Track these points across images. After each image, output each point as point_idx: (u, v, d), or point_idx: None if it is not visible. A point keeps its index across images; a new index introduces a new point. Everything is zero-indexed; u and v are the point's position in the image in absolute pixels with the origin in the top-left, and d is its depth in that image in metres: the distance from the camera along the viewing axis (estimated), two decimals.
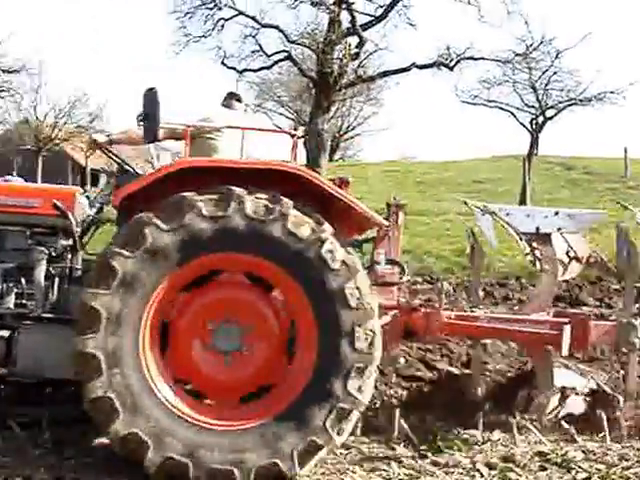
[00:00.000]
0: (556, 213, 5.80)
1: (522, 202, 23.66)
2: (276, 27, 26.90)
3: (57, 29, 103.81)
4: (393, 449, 5.34)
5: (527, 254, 5.88)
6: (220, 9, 26.81)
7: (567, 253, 6.15)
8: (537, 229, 5.67)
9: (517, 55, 26.66)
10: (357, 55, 26.26)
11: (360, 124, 57.47)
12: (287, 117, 57.51)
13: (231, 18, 27.06)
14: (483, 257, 6.50)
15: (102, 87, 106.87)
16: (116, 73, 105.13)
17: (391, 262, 5.77)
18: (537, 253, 6.06)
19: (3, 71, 39.90)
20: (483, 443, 5.40)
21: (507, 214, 5.77)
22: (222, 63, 27.64)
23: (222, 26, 27.06)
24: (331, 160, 39.36)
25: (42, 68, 45.25)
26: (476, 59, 26.66)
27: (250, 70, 29.06)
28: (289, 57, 27.51)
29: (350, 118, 55.86)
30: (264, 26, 26.95)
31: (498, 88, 29.80)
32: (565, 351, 5.34)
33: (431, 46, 76.63)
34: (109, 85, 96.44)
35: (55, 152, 47.80)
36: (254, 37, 27.16)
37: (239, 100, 6.27)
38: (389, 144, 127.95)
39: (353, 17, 25.68)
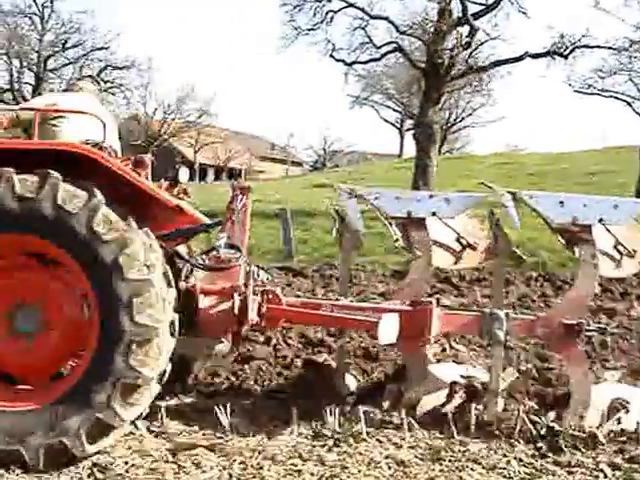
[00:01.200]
0: (430, 197, 5.48)
1: (638, 195, 22.45)
2: (385, 18, 26.74)
3: (166, 25, 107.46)
4: (513, 446, 5.05)
5: (396, 240, 5.51)
6: (329, 1, 26.91)
7: (458, 240, 5.92)
8: (409, 213, 5.34)
9: (633, 43, 25.12)
10: (468, 45, 25.59)
11: (469, 115, 56.56)
12: (394, 110, 56.93)
13: (340, 10, 27.06)
14: (356, 242, 6.13)
15: (210, 82, 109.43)
16: (224, 68, 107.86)
17: (231, 246, 5.50)
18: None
19: (114, 67, 41.94)
20: (606, 443, 5.04)
21: (376, 197, 5.44)
22: (330, 56, 27.65)
23: (331, 18, 27.06)
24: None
25: (151, 64, 47.07)
26: (591, 47, 25.61)
27: (359, 62, 29.01)
28: (398, 48, 27.15)
29: (458, 110, 54.66)
30: (373, 17, 26.82)
31: (613, 77, 28.10)
32: (383, 339, 5.03)
33: (543, 35, 72.96)
34: (217, 80, 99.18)
35: (164, 147, 49.50)
36: (363, 29, 27.10)
37: (95, 82, 6.37)
38: (499, 136, 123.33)
39: (464, 6, 25.05)
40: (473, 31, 25.32)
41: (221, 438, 5.09)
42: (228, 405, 5.35)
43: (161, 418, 5.28)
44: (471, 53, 26.33)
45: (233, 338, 5.51)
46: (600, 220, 4.90)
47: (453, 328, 5.38)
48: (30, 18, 40.36)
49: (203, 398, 5.91)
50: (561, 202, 4.91)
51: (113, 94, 43.35)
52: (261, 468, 4.62)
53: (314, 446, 4.98)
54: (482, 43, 26.78)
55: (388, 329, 4.96)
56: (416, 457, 4.83)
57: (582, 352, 5.18)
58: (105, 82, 42.13)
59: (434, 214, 5.40)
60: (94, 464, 4.64)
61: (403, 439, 5.07)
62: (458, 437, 5.08)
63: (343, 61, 27.99)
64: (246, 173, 61.78)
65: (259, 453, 4.81)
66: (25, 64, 42.38)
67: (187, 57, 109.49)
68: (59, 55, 42.56)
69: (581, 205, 4.94)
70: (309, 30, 27.30)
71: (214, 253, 5.51)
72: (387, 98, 55.53)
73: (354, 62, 28.43)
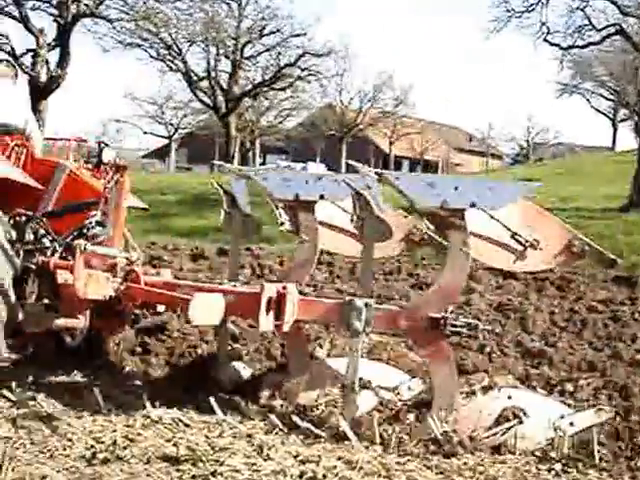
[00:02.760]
0: (319, 179, 5.25)
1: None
2: None
3: (366, 11, 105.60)
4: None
5: (282, 223, 5.43)
6: None
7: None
8: (297, 196, 5.19)
9: None
10: None
11: None
12: (606, 98, 51.89)
13: None
14: (246, 223, 5.86)
15: (407, 71, 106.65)
16: (422, 56, 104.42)
17: (99, 224, 5.48)
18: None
19: (312, 55, 40.54)
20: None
21: (264, 179, 5.35)
22: (545, 40, 26.17)
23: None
24: None
25: (349, 52, 45.61)
26: None
27: (575, 47, 27.63)
28: (620, 31, 24.68)
29: None
30: None
31: None
32: (193, 319, 4.69)
33: None
34: (414, 69, 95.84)
35: (358, 138, 48.05)
36: (582, 10, 25.26)
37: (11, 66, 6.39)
38: None
39: None
40: None
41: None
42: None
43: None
44: None
45: (91, 314, 5.37)
46: (472, 204, 4.43)
47: (312, 315, 4.93)
48: (228, 5, 40.30)
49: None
50: (430, 184, 4.49)
51: (309, 82, 42.59)
52: None
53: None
54: None
55: (200, 309, 4.67)
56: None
57: (447, 349, 4.59)
58: (302, 70, 41.45)
59: (322, 197, 5.24)
60: None
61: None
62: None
63: (558, 45, 26.65)
64: (443, 165, 59.41)
65: None
66: (222, 51, 42.48)
67: (385, 44, 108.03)
68: (256, 42, 42.12)
69: (452, 188, 4.50)
70: (523, 12, 25.79)
71: (84, 231, 5.50)
72: (599, 85, 51.21)
73: (570, 46, 27.16)
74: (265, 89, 44.45)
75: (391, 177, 4.51)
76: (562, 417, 4.42)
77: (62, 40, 35.21)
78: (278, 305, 4.67)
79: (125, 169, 5.57)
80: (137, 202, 6.31)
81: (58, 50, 35.18)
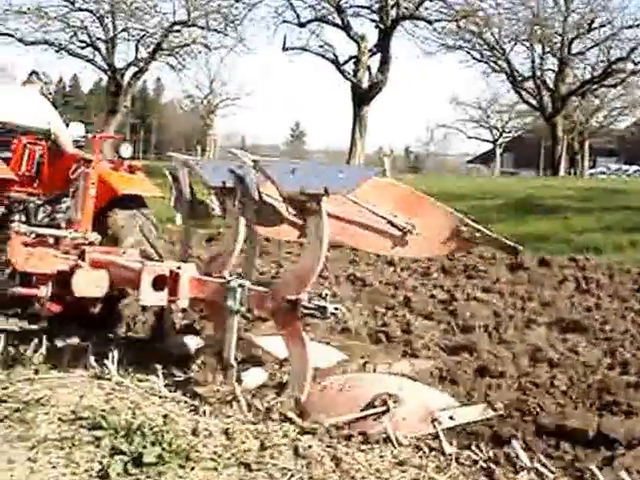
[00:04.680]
0: (239, 167, 5.07)
1: None
2: None
3: None
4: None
5: (212, 209, 5.49)
6: None
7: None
8: (223, 183, 5.25)
9: None
10: None
11: None
12: None
13: None
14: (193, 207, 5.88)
15: None
16: None
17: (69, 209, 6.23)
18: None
19: None
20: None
21: (200, 167, 5.48)
22: None
23: None
24: None
25: None
26: None
27: None
28: None
29: None
30: None
31: None
32: (78, 291, 5.16)
33: None
34: None
35: None
36: None
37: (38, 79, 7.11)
38: None
39: None
40: None
41: None
42: None
43: None
44: None
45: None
46: (325, 190, 4.44)
47: (202, 294, 5.03)
48: None
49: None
50: (292, 170, 4.51)
51: None
52: None
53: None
54: None
55: (83, 282, 5.20)
56: None
57: (300, 330, 4.57)
58: (636, 64, 38.25)
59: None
60: None
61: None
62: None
63: None
64: None
65: None
66: (547, 49, 40.52)
67: None
68: (584, 37, 39.65)
69: (310, 173, 4.62)
70: None
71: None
72: None
73: None
74: (594, 87, 41.76)
75: (263, 164, 4.64)
76: (443, 409, 4.30)
77: (383, 45, 36.31)
78: (174, 282, 4.90)
79: (90, 162, 6.13)
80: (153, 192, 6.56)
81: (379, 56, 36.37)
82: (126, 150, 6.35)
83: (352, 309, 7.15)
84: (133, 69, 40.84)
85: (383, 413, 4.22)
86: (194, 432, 3.97)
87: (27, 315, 6.34)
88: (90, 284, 5.20)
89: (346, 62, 37.11)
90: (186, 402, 4.46)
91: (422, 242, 5.00)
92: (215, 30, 38.95)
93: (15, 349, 5.35)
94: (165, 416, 4.13)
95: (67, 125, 6.83)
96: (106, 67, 40.20)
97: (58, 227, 6.18)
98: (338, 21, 36.10)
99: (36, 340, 5.31)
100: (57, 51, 37.88)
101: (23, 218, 6.18)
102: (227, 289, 4.71)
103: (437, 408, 4.26)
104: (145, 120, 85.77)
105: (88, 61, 39.91)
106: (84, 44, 38.71)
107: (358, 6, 36.30)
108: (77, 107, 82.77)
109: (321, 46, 36.97)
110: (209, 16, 38.14)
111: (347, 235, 5.04)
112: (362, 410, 4.27)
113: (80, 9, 37.12)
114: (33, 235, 5.81)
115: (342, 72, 36.71)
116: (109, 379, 4.73)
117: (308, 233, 4.58)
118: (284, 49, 36.81)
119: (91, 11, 37.54)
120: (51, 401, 4.29)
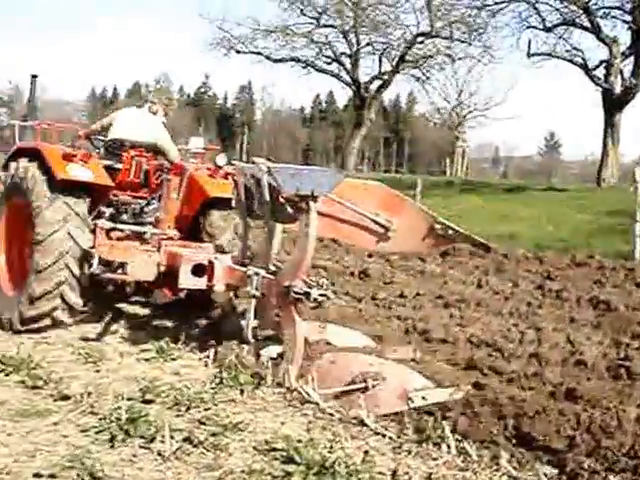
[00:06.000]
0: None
1: None
2: None
3: None
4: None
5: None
6: None
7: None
8: (297, 189, 5.42)
9: None
10: None
11: None
12: None
13: None
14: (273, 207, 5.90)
15: None
16: None
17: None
18: None
19: None
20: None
21: (278, 173, 5.61)
22: None
23: None
24: None
25: None
26: None
27: None
28: None
29: None
30: None
31: None
32: (131, 275, 6.31)
33: None
34: None
35: None
36: None
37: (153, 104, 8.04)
38: None
39: None
40: None
41: None
42: None
43: None
44: None
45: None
46: (312, 191, 5.05)
47: (234, 281, 5.80)
48: None
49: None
50: (291, 174, 5.16)
51: None
52: None
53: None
54: None
55: (138, 267, 6.17)
56: None
57: (292, 311, 5.19)
58: None
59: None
60: None
61: None
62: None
63: None
64: None
65: None
66: None
67: None
68: None
69: (304, 176, 5.20)
70: None
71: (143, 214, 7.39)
72: None
73: None
74: None
75: (274, 170, 5.27)
76: (417, 389, 4.54)
77: (637, 47, 33.78)
78: (211, 270, 5.82)
79: (170, 171, 7.30)
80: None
81: (632, 59, 33.90)
82: (222, 159, 7.10)
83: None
84: (377, 82, 41.33)
85: (364, 390, 4.60)
86: (394, 475, 3.57)
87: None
88: (142, 268, 6.19)
89: (597, 67, 34.98)
90: (391, 438, 4.11)
91: (401, 238, 5.75)
92: (459, 40, 38.42)
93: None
94: (366, 452, 3.80)
95: (188, 140, 8.14)
96: (351, 81, 41.03)
97: (151, 224, 7.14)
98: (587, 24, 34.07)
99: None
100: (304, 67, 39.28)
101: (126, 217, 7.19)
102: (247, 277, 5.42)
103: (413, 388, 4.53)
104: (398, 133, 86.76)
105: (334, 76, 40.99)
106: (329, 59, 39.80)
107: (608, 7, 33.97)
108: (333, 122, 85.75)
109: (568, 50, 35.09)
110: (452, 26, 37.69)
111: (338, 231, 5.78)
112: (346, 385, 4.67)
113: (325, 25, 38.22)
114: (122, 232, 6.85)
115: (592, 77, 34.61)
116: (311, 402, 4.63)
117: (301, 228, 5.21)
118: (529, 55, 35.39)
119: (335, 27, 38.53)
120: (249, 426, 4.15)
